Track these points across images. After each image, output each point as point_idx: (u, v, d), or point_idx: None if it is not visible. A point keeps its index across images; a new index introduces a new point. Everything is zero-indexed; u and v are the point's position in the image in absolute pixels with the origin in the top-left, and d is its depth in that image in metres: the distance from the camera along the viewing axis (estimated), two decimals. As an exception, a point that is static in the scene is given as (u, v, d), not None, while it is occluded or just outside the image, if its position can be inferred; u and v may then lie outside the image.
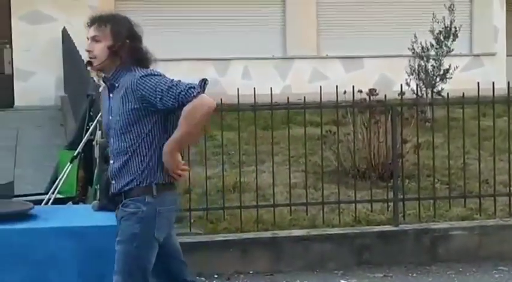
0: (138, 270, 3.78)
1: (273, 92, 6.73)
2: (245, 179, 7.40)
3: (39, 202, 5.95)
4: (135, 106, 3.74)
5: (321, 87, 6.81)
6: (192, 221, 6.68)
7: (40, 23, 14.65)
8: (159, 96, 3.71)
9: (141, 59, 3.88)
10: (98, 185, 5.91)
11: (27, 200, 5.07)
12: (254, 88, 6.65)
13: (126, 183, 3.82)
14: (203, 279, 6.20)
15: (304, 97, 7.00)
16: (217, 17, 15.50)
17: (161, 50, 15.39)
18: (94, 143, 6.46)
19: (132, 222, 3.78)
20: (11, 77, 14.73)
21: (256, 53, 15.43)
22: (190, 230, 6.57)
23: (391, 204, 6.97)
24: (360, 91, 7.45)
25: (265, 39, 15.54)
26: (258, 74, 15.17)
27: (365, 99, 7.59)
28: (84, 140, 6.63)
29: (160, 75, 3.80)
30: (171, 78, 3.81)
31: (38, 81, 14.58)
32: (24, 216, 4.26)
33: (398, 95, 7.31)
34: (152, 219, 3.79)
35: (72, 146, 7.17)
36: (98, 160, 6.11)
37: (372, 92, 7.61)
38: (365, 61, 15.84)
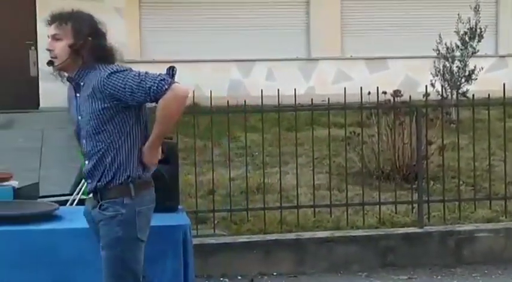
0: (128, 273, 3.72)
1: (296, 93, 6.72)
2: (269, 180, 7.40)
3: (63, 203, 5.97)
4: (105, 105, 3.64)
5: (345, 88, 6.78)
6: (215, 222, 6.68)
7: (65, 24, 14.73)
8: (129, 93, 3.61)
9: (105, 56, 3.75)
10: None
11: (52, 201, 5.12)
12: (278, 89, 6.64)
13: (101, 181, 3.71)
14: (226, 280, 6.20)
15: (328, 98, 6.98)
16: (241, 18, 15.51)
17: (185, 51, 15.66)
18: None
19: (112, 226, 3.68)
20: (36, 79, 14.83)
21: (280, 54, 15.42)
22: (214, 231, 6.58)
23: (415, 206, 6.93)
24: (385, 92, 7.41)
25: (289, 40, 15.53)
26: (282, 75, 15.15)
27: (389, 100, 7.56)
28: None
29: (126, 70, 3.69)
30: (138, 71, 3.69)
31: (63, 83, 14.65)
32: (49, 216, 4.29)
33: (423, 96, 7.28)
34: (132, 221, 3.71)
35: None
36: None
37: (396, 93, 7.58)
38: (389, 62, 15.77)
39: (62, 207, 4.57)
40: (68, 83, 3.86)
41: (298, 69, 15.70)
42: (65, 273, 4.07)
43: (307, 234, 6.58)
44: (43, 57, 15.19)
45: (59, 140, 11.89)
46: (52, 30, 3.74)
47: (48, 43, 3.74)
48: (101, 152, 3.70)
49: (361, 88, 6.68)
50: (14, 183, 6.53)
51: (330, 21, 15.74)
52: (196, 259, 4.39)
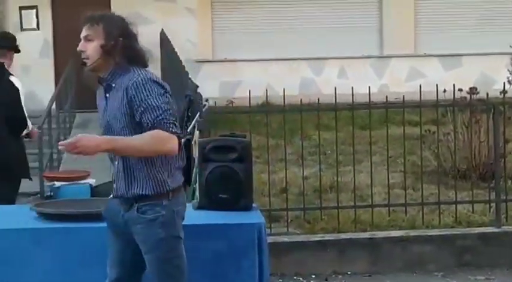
0: (175, 271, 3.71)
1: (369, 91, 6.65)
2: (342, 179, 7.34)
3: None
4: (127, 111, 3.61)
5: (420, 85, 6.69)
6: (289, 220, 6.67)
7: (139, 25, 14.81)
8: (143, 108, 3.56)
9: (136, 57, 3.71)
10: (196, 185, 5.99)
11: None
12: (352, 87, 6.59)
13: (135, 187, 3.65)
14: (300, 279, 6.19)
15: (403, 96, 6.90)
16: (313, 16, 15.48)
17: (257, 50, 15.70)
18: (192, 142, 6.53)
19: (154, 228, 3.65)
20: (111, 79, 15.08)
21: (352, 52, 15.32)
22: (287, 230, 6.57)
23: (492, 205, 6.79)
24: (460, 90, 7.28)
25: (361, 38, 15.41)
26: (354, 73, 15.06)
27: (465, 97, 7.42)
28: (182, 140, 6.70)
29: (159, 85, 3.64)
30: (166, 99, 3.61)
31: (138, 82, 14.87)
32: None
33: (500, 93, 7.12)
34: (172, 221, 3.69)
35: (171, 145, 7.26)
36: (196, 160, 6.18)
37: (472, 90, 7.45)
38: (464, 59, 15.50)
39: (138, 205, 4.59)
40: (99, 87, 3.82)
41: (371, 66, 15.57)
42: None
43: (381, 234, 6.52)
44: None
45: (133, 139, 12.04)
46: (84, 31, 3.72)
47: (80, 44, 3.72)
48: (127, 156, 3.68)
49: (436, 85, 6.57)
50: (91, 181, 6.67)
51: (403, 18, 15.56)
52: (270, 258, 4.37)
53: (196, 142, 6.22)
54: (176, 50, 11.47)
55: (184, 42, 14.38)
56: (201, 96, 6.61)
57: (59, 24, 15.04)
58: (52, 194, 6.60)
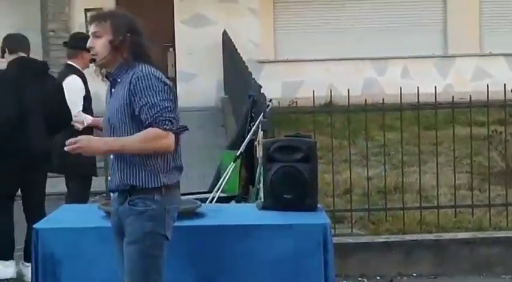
0: (153, 269, 3.70)
1: (433, 91, 6.56)
2: (407, 179, 7.26)
3: (203, 200, 6.08)
4: (126, 102, 3.67)
5: (487, 85, 6.56)
6: (353, 221, 6.62)
7: (202, 26, 15.06)
8: (142, 103, 3.63)
9: (143, 53, 3.76)
10: (260, 185, 5.99)
11: (193, 199, 5.21)
12: (418, 87, 6.51)
13: (128, 178, 3.69)
14: (365, 280, 6.14)
15: (470, 96, 6.79)
16: (376, 15, 15.36)
17: (319, 50, 15.62)
18: (256, 143, 6.53)
19: (142, 221, 3.67)
20: (173, 80, 15.23)
21: (416, 51, 15.15)
22: (352, 231, 6.52)
23: None
24: (529, 89, 7.12)
25: (424, 37, 15.24)
26: (418, 73, 14.90)
27: (534, 97, 7.26)
28: (246, 140, 6.71)
29: (159, 83, 3.68)
30: (164, 95, 3.67)
31: (200, 83, 14.99)
32: (192, 213, 4.36)
33: None
34: (162, 217, 3.70)
35: (234, 146, 7.28)
36: (260, 160, 6.18)
37: (541, 89, 7.27)
38: (531, 58, 15.21)
39: (203, 205, 4.63)
40: (107, 82, 3.88)
41: (434, 66, 15.39)
42: (206, 270, 4.12)
43: (447, 235, 6.42)
44: (181, 59, 15.74)
45: (196, 139, 12.13)
46: (92, 28, 3.76)
47: (89, 41, 3.78)
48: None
49: (504, 85, 6.44)
50: (156, 181, 6.70)
51: (468, 16, 15.32)
52: (334, 258, 4.35)
53: (260, 142, 6.24)
54: (238, 50, 11.50)
55: (246, 43, 14.41)
56: (264, 96, 6.60)
57: (123, 26, 15.23)
58: (118, 194, 6.66)
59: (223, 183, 6.60)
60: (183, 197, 6.15)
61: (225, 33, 13.98)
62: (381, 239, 6.38)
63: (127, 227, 3.71)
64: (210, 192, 6.86)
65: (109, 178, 3.82)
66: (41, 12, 15.26)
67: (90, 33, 3.78)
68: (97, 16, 3.79)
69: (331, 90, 7.53)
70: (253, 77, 8.34)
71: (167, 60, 15.29)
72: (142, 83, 3.65)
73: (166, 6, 15.16)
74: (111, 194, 3.94)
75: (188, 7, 15.14)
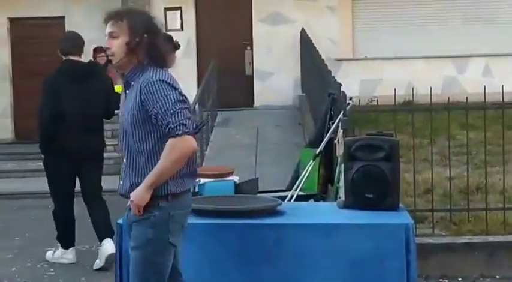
0: (154, 276, 3.67)
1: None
2: (489, 179, 7.11)
3: (282, 199, 6.08)
4: (139, 108, 3.63)
5: None
6: (434, 221, 6.52)
7: (279, 24, 15.06)
8: (155, 111, 3.59)
9: (159, 56, 3.69)
10: (340, 183, 5.95)
11: (272, 197, 5.22)
12: (502, 86, 6.36)
13: (133, 185, 3.69)
14: (446, 281, 6.04)
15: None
16: (455, 13, 15.10)
17: (398, 48, 15.41)
18: (335, 141, 6.49)
19: (144, 227, 3.65)
20: (251, 78, 15.28)
21: (498, 49, 14.83)
22: (433, 231, 6.42)
23: None
24: None
25: (507, 34, 14.89)
26: (500, 71, 14.57)
27: None
28: (325, 139, 6.68)
29: (170, 88, 3.63)
30: (177, 98, 3.62)
31: (277, 81, 15.00)
32: (273, 211, 4.36)
33: None
34: (165, 224, 3.65)
35: (312, 144, 7.26)
36: (339, 159, 6.14)
37: None
38: None
39: (283, 203, 4.63)
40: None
41: (517, 64, 15.03)
42: (287, 268, 4.11)
43: (532, 237, 6.27)
44: (258, 57, 15.75)
45: (273, 137, 12.17)
46: (108, 28, 3.67)
47: (106, 41, 3.69)
48: (132, 153, 3.71)
49: None
50: (235, 178, 6.75)
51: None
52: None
53: (340, 141, 6.20)
54: (317, 48, 11.46)
55: (324, 41, 14.36)
56: (345, 94, 6.55)
57: (202, 25, 15.38)
58: (197, 190, 6.73)
59: (302, 182, 6.59)
60: (261, 195, 6.22)
61: (303, 31, 13.95)
62: (464, 240, 6.26)
63: (132, 232, 3.75)
64: (288, 190, 6.86)
65: (121, 182, 3.82)
66: (122, 12, 15.50)
67: (106, 33, 3.69)
68: (113, 15, 3.69)
69: (413, 89, 7.43)
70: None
71: (245, 59, 15.35)
72: (151, 90, 3.61)
73: (244, 4, 15.22)
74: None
75: (266, 5, 15.16)
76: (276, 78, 15.03)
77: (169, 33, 16.32)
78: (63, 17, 15.25)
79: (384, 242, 4.09)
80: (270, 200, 4.64)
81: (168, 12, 15.27)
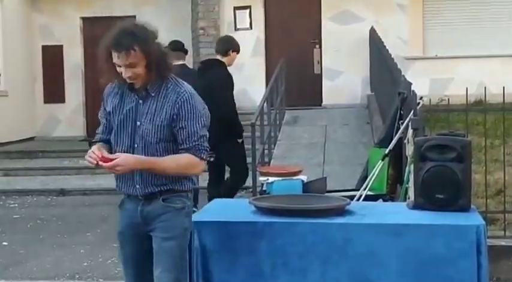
0: (185, 263, 3.85)
1: None
2: None
3: (350, 198, 6.05)
4: (168, 121, 3.76)
5: None
6: (506, 223, 6.41)
7: (349, 23, 14.98)
8: (181, 126, 3.75)
9: (169, 65, 3.80)
10: (409, 184, 5.89)
11: (341, 196, 5.20)
12: None
13: (164, 185, 3.81)
14: (518, 284, 5.94)
15: None
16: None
17: (469, 47, 15.12)
18: (405, 141, 6.44)
19: (181, 217, 3.81)
20: (319, 77, 15.24)
21: None
22: (505, 234, 6.31)
23: None
24: None
25: None
26: None
27: None
28: (395, 138, 6.63)
29: (201, 104, 3.82)
30: (204, 123, 3.81)
31: (345, 80, 14.93)
32: (342, 211, 4.35)
33: None
34: (191, 214, 3.92)
35: (382, 143, 7.21)
36: (409, 159, 6.08)
37: None
38: None
39: (352, 202, 4.61)
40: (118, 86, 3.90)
41: None
42: (359, 268, 4.09)
43: None
44: (327, 56, 15.67)
45: (342, 137, 12.12)
46: (123, 60, 3.70)
47: (123, 71, 3.73)
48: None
49: None
50: (303, 177, 6.75)
51: None
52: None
53: (410, 141, 6.14)
54: (387, 47, 11.36)
55: (394, 39, 14.22)
56: (415, 94, 6.48)
57: (271, 23, 15.41)
58: (266, 188, 6.75)
59: (371, 182, 6.55)
60: (330, 194, 6.21)
61: (372, 30, 13.85)
62: (537, 242, 6.15)
63: (161, 223, 3.81)
64: (357, 190, 6.82)
65: (137, 186, 3.87)
66: (192, 11, 15.66)
67: (121, 64, 3.72)
68: (123, 46, 3.68)
69: (485, 88, 7.29)
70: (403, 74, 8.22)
71: (313, 57, 15.32)
72: (188, 105, 3.77)
73: (313, 2, 15.19)
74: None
75: (335, 3, 15.10)
76: (344, 76, 14.96)
77: (239, 32, 16.70)
78: (134, 16, 15.49)
79: (454, 244, 4.04)
80: (339, 199, 4.63)
81: (237, 11, 15.35)
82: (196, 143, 3.78)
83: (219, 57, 8.07)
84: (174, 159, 3.78)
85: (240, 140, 7.99)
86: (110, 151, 3.89)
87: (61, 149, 13.84)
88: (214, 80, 7.73)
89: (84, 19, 16.31)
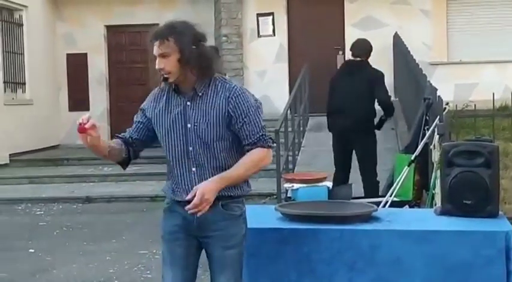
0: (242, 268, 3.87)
1: None
2: None
3: (376, 204, 6.03)
4: (224, 118, 3.71)
5: None
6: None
7: (372, 28, 14.93)
8: (243, 122, 3.72)
9: (207, 66, 3.73)
10: (436, 190, 5.85)
11: (367, 202, 5.17)
12: None
13: (226, 192, 3.73)
14: None
15: None
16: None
17: (494, 52, 15.04)
18: (431, 147, 6.40)
19: (240, 223, 3.82)
20: (343, 83, 15.18)
21: None
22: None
23: None
24: None
25: None
26: None
27: None
28: (421, 144, 6.60)
29: (253, 97, 3.78)
30: (261, 114, 3.78)
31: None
32: (368, 217, 4.32)
33: None
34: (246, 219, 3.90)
35: (408, 149, 7.19)
36: (435, 164, 6.05)
37: None
38: None
39: (378, 209, 4.58)
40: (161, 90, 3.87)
41: None
42: (384, 274, 4.06)
43: None
44: (351, 61, 15.35)
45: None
46: (156, 49, 3.70)
47: (156, 62, 3.72)
48: (211, 162, 3.74)
49: None
50: (328, 184, 6.75)
51: None
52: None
53: (436, 146, 6.11)
54: (412, 52, 11.32)
55: (418, 45, 14.17)
56: (441, 99, 6.45)
57: (294, 30, 15.41)
58: (291, 195, 6.74)
59: (397, 188, 6.52)
60: (356, 200, 6.18)
61: (396, 36, 13.80)
62: None
63: (220, 231, 3.77)
64: (383, 196, 6.80)
65: (190, 190, 3.76)
66: (215, 18, 15.70)
67: (155, 54, 3.72)
68: (159, 35, 3.71)
69: (511, 93, 7.23)
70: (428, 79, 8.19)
71: (337, 63, 15.27)
72: (242, 100, 3.73)
73: (336, 9, 15.17)
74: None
75: (359, 10, 15.07)
76: (368, 82, 14.89)
77: (262, 38, 16.79)
78: (157, 24, 15.53)
79: (483, 250, 3.99)
80: (365, 205, 4.60)
81: (260, 18, 15.37)
82: (260, 134, 3.74)
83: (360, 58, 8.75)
84: (241, 163, 3.73)
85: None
86: (125, 151, 3.88)
87: (86, 157, 13.92)
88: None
89: (107, 27, 16.42)
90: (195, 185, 3.69)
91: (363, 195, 7.90)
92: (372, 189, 8.12)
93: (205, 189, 3.61)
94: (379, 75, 8.71)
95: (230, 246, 3.79)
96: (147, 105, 3.89)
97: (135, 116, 3.96)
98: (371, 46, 9.05)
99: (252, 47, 15.43)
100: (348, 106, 8.39)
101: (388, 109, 8.78)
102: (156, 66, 3.73)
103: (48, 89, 16.12)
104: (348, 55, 15.16)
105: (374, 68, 8.86)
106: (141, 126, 3.90)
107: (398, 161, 7.15)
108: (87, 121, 3.66)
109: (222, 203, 3.77)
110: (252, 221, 4.39)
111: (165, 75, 3.72)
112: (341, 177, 8.43)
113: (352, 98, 8.36)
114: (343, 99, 8.47)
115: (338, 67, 15.25)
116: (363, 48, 9.01)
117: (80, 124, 3.65)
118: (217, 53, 9.52)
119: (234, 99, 3.71)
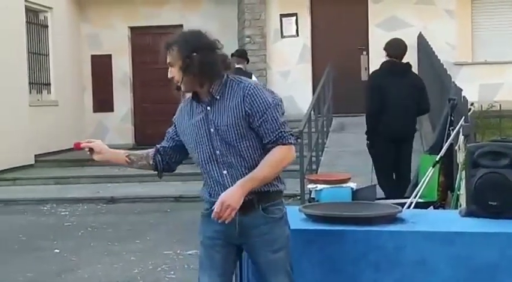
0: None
1: None
2: None
3: (400, 205, 6.00)
4: (242, 118, 3.70)
5: None
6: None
7: (396, 29, 14.87)
8: (261, 120, 3.69)
9: (211, 71, 3.72)
10: (461, 191, 5.82)
11: (392, 203, 5.16)
12: None
13: (257, 191, 3.72)
14: None
15: None
16: None
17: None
18: (456, 148, 6.37)
19: (282, 226, 3.82)
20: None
21: None
22: None
23: None
24: None
25: None
26: None
27: None
28: (446, 145, 6.56)
29: (271, 93, 3.78)
30: (280, 107, 3.76)
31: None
32: (393, 218, 4.32)
33: None
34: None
35: (432, 150, 7.16)
36: (460, 165, 6.02)
37: None
38: None
39: (403, 210, 4.57)
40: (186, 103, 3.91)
41: None
42: (409, 276, 4.05)
43: None
44: (374, 62, 15.67)
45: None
46: (165, 59, 3.79)
47: (169, 72, 3.80)
48: (246, 159, 3.73)
49: None
50: (353, 185, 6.71)
51: None
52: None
53: (461, 147, 6.08)
54: (436, 53, 11.27)
55: (442, 45, 14.11)
56: (466, 100, 6.42)
57: (317, 30, 15.40)
58: (314, 196, 6.72)
59: (422, 189, 6.49)
60: (380, 202, 6.16)
61: (420, 36, 13.75)
62: None
63: (264, 235, 3.77)
64: (407, 197, 6.77)
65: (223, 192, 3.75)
66: (238, 19, 15.72)
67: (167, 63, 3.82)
68: (166, 45, 3.80)
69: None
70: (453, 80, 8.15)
71: (360, 64, 15.26)
72: (257, 97, 3.71)
73: (360, 9, 15.15)
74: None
75: (383, 10, 15.04)
76: (392, 83, 14.85)
77: (285, 39, 16.78)
78: (181, 25, 15.63)
79: (508, 251, 3.97)
80: (390, 206, 4.59)
81: (283, 19, 15.38)
82: (280, 130, 3.71)
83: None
84: (265, 163, 3.71)
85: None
86: (151, 159, 3.98)
87: (110, 157, 13.99)
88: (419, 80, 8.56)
89: (132, 28, 16.51)
90: (229, 187, 3.70)
91: (383, 196, 7.88)
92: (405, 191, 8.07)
93: (226, 196, 3.62)
94: (423, 83, 8.51)
95: (277, 250, 3.80)
96: (176, 117, 3.97)
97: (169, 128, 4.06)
98: (406, 47, 8.63)
99: (276, 48, 15.44)
100: (403, 110, 8.15)
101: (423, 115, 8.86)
102: (168, 76, 3.81)
103: (73, 90, 16.23)
104: (372, 55, 15.20)
105: (415, 73, 8.74)
106: (169, 136, 3.99)
107: (422, 161, 7.12)
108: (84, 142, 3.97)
109: (263, 207, 3.77)
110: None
111: (177, 84, 3.78)
112: (392, 183, 8.29)
113: (406, 102, 8.13)
114: (398, 103, 8.14)
115: (364, 68, 15.28)
116: (400, 48, 8.53)
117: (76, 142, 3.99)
118: (245, 56, 9.99)
119: (249, 97, 3.71)
